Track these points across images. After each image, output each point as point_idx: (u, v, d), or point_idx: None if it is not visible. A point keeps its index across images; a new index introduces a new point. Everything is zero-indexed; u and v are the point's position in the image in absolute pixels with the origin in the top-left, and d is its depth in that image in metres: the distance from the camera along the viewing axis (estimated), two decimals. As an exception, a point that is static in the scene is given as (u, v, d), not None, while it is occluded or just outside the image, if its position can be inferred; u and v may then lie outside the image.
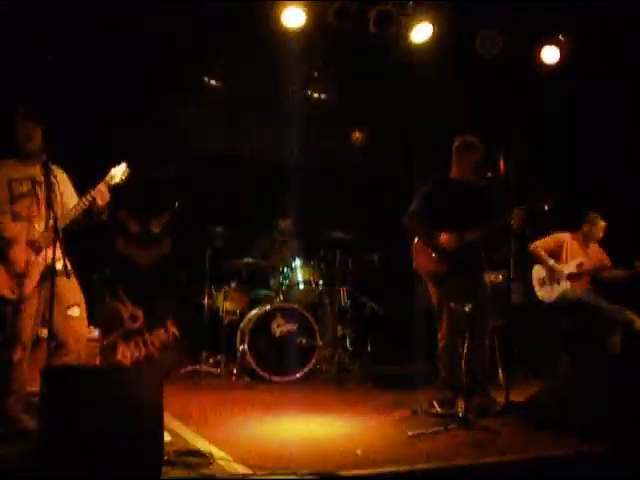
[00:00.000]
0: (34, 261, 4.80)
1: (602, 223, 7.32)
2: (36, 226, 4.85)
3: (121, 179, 5.05)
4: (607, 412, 4.77)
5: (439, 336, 5.94)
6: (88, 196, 4.91)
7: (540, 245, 7.32)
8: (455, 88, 8.40)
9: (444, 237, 5.78)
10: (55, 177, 4.84)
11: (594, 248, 7.40)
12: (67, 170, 5.18)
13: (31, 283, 4.79)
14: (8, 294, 4.75)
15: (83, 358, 5.14)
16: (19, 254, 4.78)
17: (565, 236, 7.38)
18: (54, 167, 4.91)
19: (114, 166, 5.07)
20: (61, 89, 7.07)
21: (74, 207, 4.91)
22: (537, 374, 7.27)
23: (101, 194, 4.93)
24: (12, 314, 4.77)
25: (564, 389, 5.27)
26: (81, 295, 5.05)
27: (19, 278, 4.75)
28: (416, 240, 6.05)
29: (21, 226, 4.83)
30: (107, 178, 5.00)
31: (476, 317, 5.59)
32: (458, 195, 5.92)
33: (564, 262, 7.25)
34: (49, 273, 4.57)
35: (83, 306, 5.04)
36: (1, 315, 4.78)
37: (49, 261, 4.59)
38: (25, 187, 4.88)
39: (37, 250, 4.81)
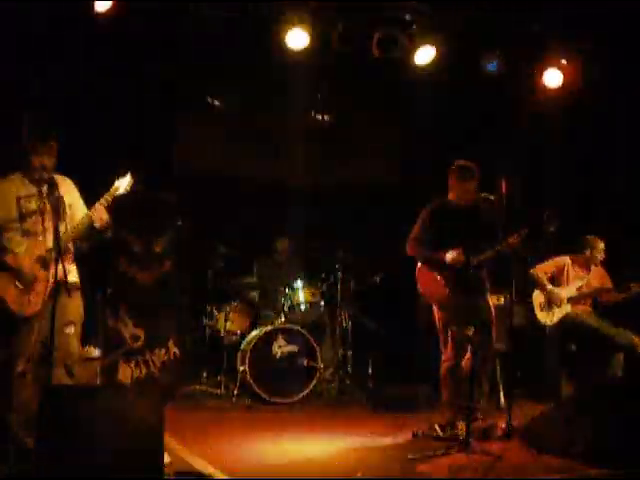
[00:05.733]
0: (42, 277, 4.81)
1: (602, 246, 7.32)
2: (44, 242, 4.86)
3: (125, 189, 5.02)
4: (608, 437, 4.75)
5: (443, 359, 5.92)
6: (91, 212, 4.92)
7: (540, 269, 7.31)
8: (457, 108, 8.43)
9: (450, 255, 5.76)
10: (62, 189, 4.85)
11: (596, 271, 7.39)
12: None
13: (38, 299, 4.79)
14: (16, 309, 4.76)
15: (81, 377, 5.14)
16: (28, 269, 4.80)
17: (566, 260, 7.38)
18: (60, 177, 4.94)
19: (118, 177, 5.04)
20: (62, 105, 7.11)
21: (79, 222, 4.92)
22: (539, 397, 7.25)
23: (98, 214, 4.92)
24: (18, 329, 4.78)
25: (566, 413, 5.25)
26: (81, 313, 5.05)
27: (27, 293, 4.76)
28: (420, 264, 6.04)
29: (30, 242, 4.84)
30: (112, 190, 4.97)
31: (479, 340, 5.58)
32: (456, 219, 5.91)
33: (565, 286, 7.25)
34: (56, 289, 4.59)
35: (79, 324, 5.04)
36: (7, 329, 4.79)
37: (58, 277, 4.61)
38: (34, 204, 4.88)
39: (45, 266, 4.82)
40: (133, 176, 5.05)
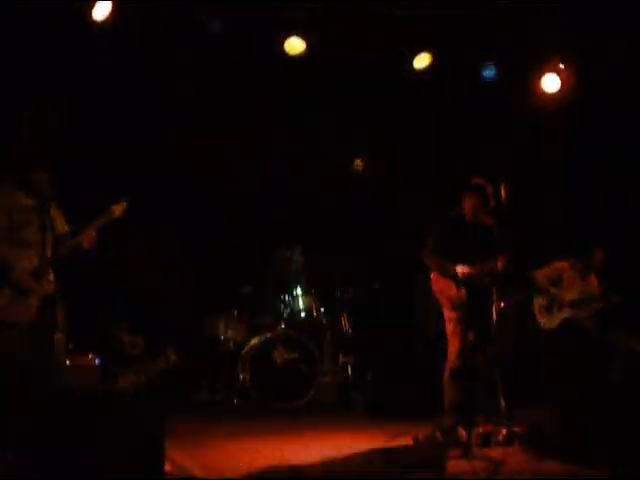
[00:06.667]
0: (33, 289, 4.82)
1: (600, 254, 7.34)
2: (35, 254, 4.86)
3: (121, 213, 5.10)
4: (608, 438, 4.75)
5: (447, 361, 5.89)
6: (81, 237, 4.95)
7: (540, 274, 7.33)
8: (456, 117, 8.44)
9: (461, 269, 5.77)
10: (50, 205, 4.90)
11: (591, 278, 7.41)
12: (63, 199, 5.20)
13: (27, 310, 4.79)
14: (7, 319, 4.76)
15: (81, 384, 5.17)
16: (19, 281, 4.80)
17: (564, 265, 7.40)
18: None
19: (114, 202, 5.11)
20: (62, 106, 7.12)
21: (70, 243, 4.95)
22: (539, 401, 7.23)
23: (88, 237, 4.97)
24: (10, 339, 4.78)
25: (566, 416, 5.25)
26: (65, 318, 5.08)
27: (15, 303, 4.76)
28: None
29: (20, 253, 4.85)
30: (106, 214, 5.06)
31: (484, 345, 5.60)
32: (471, 234, 5.94)
33: (564, 290, 7.27)
34: (48, 300, 4.60)
35: (64, 329, 5.07)
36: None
37: (47, 289, 4.67)
38: (25, 215, 4.90)
39: (36, 278, 4.83)
40: (129, 204, 5.10)
